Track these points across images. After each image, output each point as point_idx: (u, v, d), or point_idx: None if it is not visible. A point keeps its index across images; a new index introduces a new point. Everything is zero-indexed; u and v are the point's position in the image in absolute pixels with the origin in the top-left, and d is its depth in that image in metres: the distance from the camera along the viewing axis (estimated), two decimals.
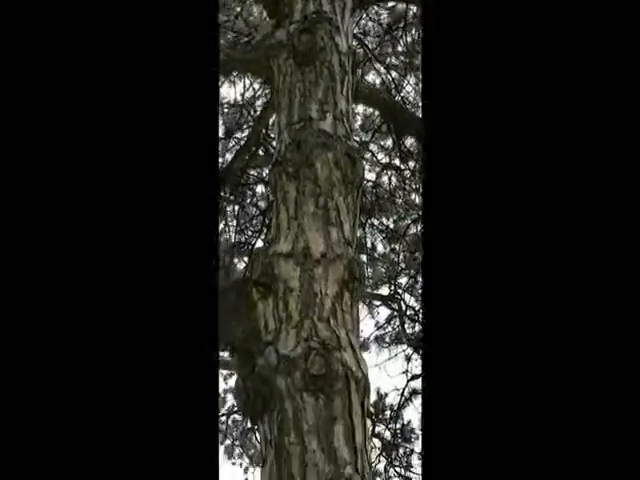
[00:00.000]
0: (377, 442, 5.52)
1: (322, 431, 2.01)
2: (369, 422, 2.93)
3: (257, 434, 2.83)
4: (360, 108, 5.57)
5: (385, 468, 5.64)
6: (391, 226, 5.92)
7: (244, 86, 5.56)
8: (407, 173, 5.54)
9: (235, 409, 6.44)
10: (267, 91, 5.33)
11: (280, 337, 2.21)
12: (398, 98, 4.84)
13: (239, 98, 5.63)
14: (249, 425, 6.23)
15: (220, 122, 5.71)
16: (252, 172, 5.71)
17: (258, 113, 5.29)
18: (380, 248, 6.00)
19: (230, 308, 2.49)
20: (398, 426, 5.56)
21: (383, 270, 6.01)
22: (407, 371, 5.60)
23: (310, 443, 1.99)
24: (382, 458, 5.59)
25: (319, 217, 2.45)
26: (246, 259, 5.37)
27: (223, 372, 6.84)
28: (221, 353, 5.69)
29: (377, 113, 5.37)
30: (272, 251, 2.42)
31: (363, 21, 5.48)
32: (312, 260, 2.33)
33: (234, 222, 5.67)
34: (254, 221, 5.74)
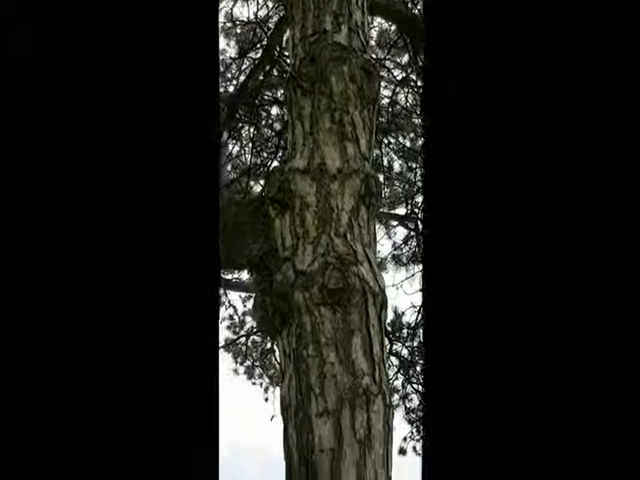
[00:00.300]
0: (395, 360, 5.62)
1: (340, 343, 2.03)
2: (386, 340, 2.95)
3: (276, 353, 2.88)
4: (375, 23, 5.44)
5: (403, 385, 5.76)
6: (408, 144, 5.85)
7: (257, 3, 5.44)
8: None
9: (254, 330, 6.56)
10: (281, 8, 5.20)
11: (297, 253, 2.21)
12: (415, 11, 4.70)
13: (252, 17, 5.51)
14: (268, 345, 6.35)
15: (234, 41, 5.62)
16: (267, 93, 5.63)
17: (272, 31, 5.18)
18: (397, 167, 5.95)
19: (246, 226, 2.49)
20: (415, 344, 5.64)
21: (400, 190, 5.98)
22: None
23: (328, 355, 2.02)
24: (400, 375, 5.70)
25: (335, 132, 2.41)
26: (262, 182, 5.35)
27: (242, 295, 6.94)
28: (238, 274, 5.76)
29: (393, 28, 5.23)
30: (288, 167, 2.39)
31: None
32: (328, 175, 2.31)
33: (249, 144, 5.64)
34: (269, 143, 5.70)
